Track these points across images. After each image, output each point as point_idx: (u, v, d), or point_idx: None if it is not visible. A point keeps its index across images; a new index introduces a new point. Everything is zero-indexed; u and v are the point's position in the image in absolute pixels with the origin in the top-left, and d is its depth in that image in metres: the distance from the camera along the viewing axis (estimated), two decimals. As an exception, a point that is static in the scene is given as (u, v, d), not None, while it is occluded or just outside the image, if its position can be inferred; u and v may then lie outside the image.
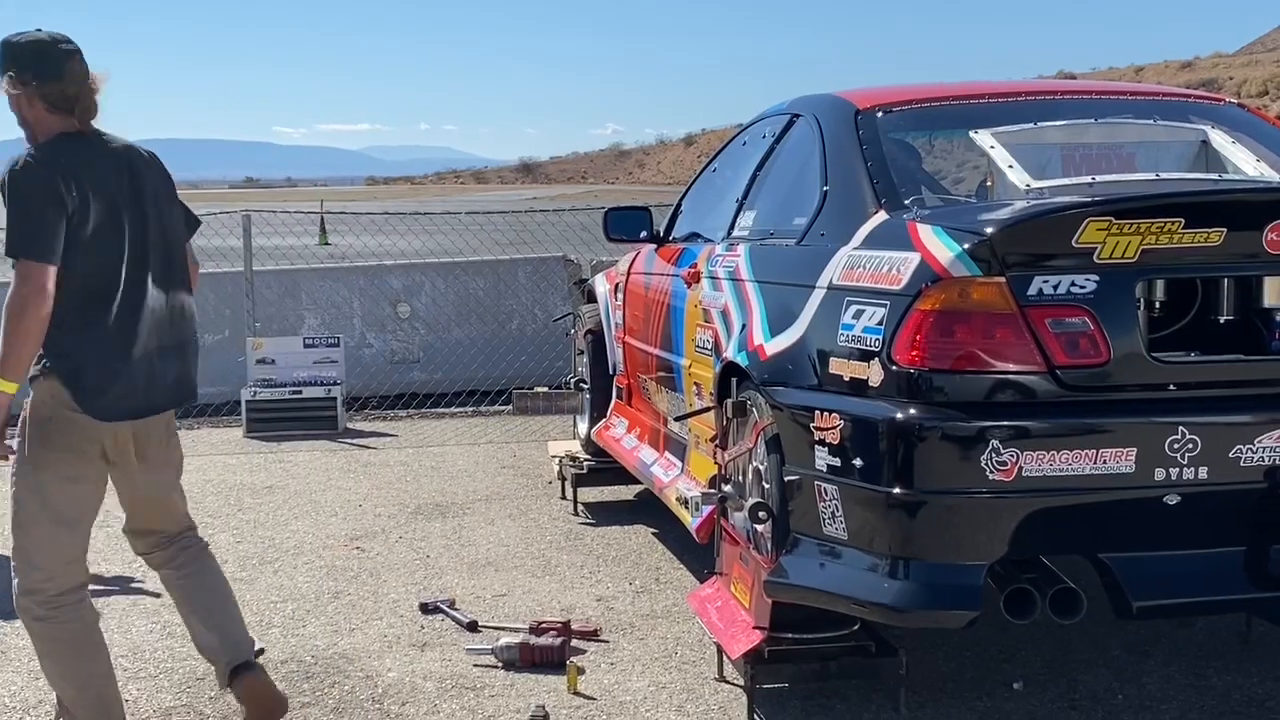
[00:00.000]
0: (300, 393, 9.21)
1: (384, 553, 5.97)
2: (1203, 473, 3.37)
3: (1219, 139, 4.33)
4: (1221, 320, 3.66)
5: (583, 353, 7.17)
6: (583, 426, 7.14)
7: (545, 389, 9.82)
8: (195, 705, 4.21)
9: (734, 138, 5.81)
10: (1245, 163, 4.18)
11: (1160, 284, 3.57)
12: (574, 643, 4.58)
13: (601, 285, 6.93)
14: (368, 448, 8.67)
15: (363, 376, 10.13)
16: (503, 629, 4.76)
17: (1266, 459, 3.39)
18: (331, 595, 5.34)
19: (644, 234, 5.97)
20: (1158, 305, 3.61)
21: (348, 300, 10.47)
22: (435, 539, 6.18)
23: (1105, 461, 3.34)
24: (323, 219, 25.76)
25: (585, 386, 7.05)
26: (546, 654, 4.42)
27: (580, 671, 4.27)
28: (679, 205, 6.09)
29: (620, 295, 6.40)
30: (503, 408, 9.87)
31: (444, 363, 10.36)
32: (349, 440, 8.91)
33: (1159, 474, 3.35)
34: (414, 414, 9.89)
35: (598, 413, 6.81)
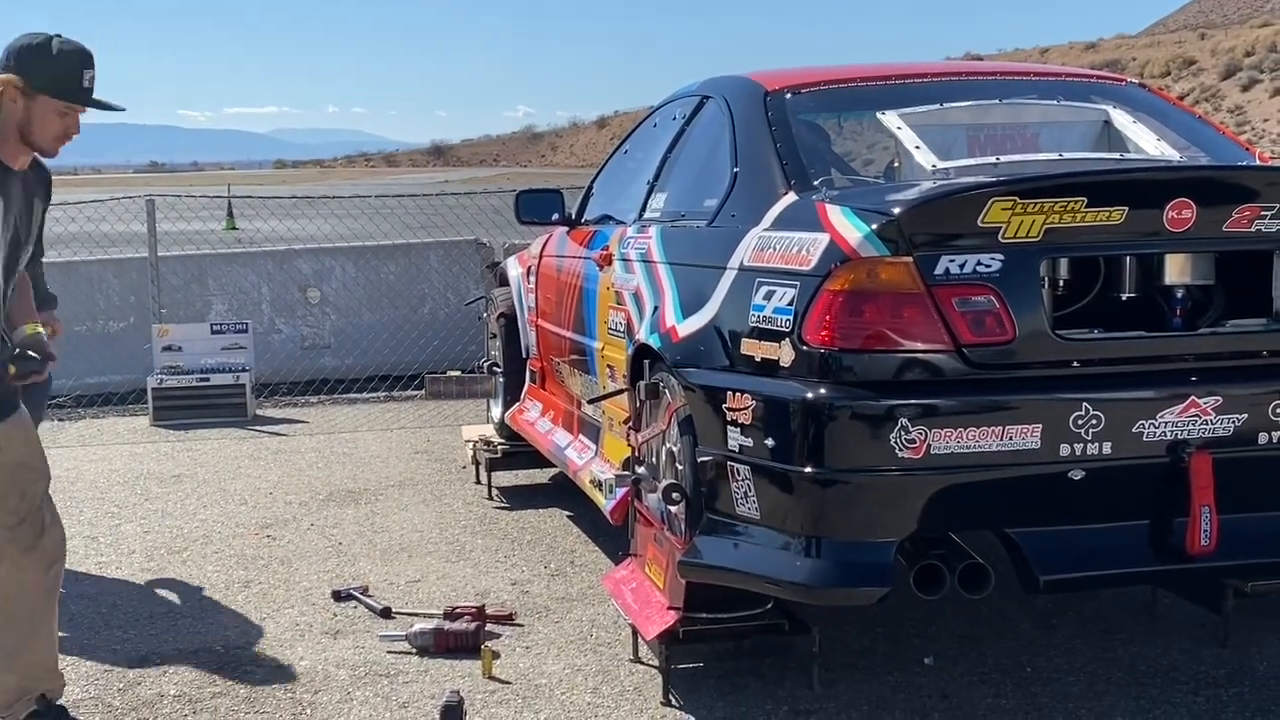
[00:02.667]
0: (208, 380, 9.08)
1: (295, 541, 5.91)
2: (1106, 448, 3.42)
3: (1121, 119, 4.39)
4: (1124, 298, 3.72)
5: (495, 336, 7.14)
6: (496, 410, 7.11)
7: (458, 373, 9.74)
8: (103, 698, 4.14)
9: (645, 119, 5.81)
10: (1146, 142, 4.25)
11: (1064, 262, 3.62)
12: (489, 627, 4.56)
13: (514, 268, 6.90)
14: (278, 435, 8.57)
15: (272, 363, 10.01)
16: (417, 615, 4.73)
17: (1168, 434, 3.45)
18: (242, 584, 5.28)
19: (556, 216, 5.95)
20: (1062, 283, 3.66)
21: (256, 286, 10.33)
22: (347, 526, 6.13)
23: (1011, 438, 3.38)
24: (230, 203, 25.41)
25: (498, 370, 7.03)
26: (461, 639, 4.40)
27: (495, 656, 4.25)
28: (590, 187, 6.08)
29: (532, 278, 6.38)
30: (415, 393, 9.80)
31: (355, 348, 10.27)
32: (258, 428, 8.80)
33: (1064, 450, 3.40)
34: (325, 400, 9.80)
35: (511, 396, 6.79)
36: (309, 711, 4.03)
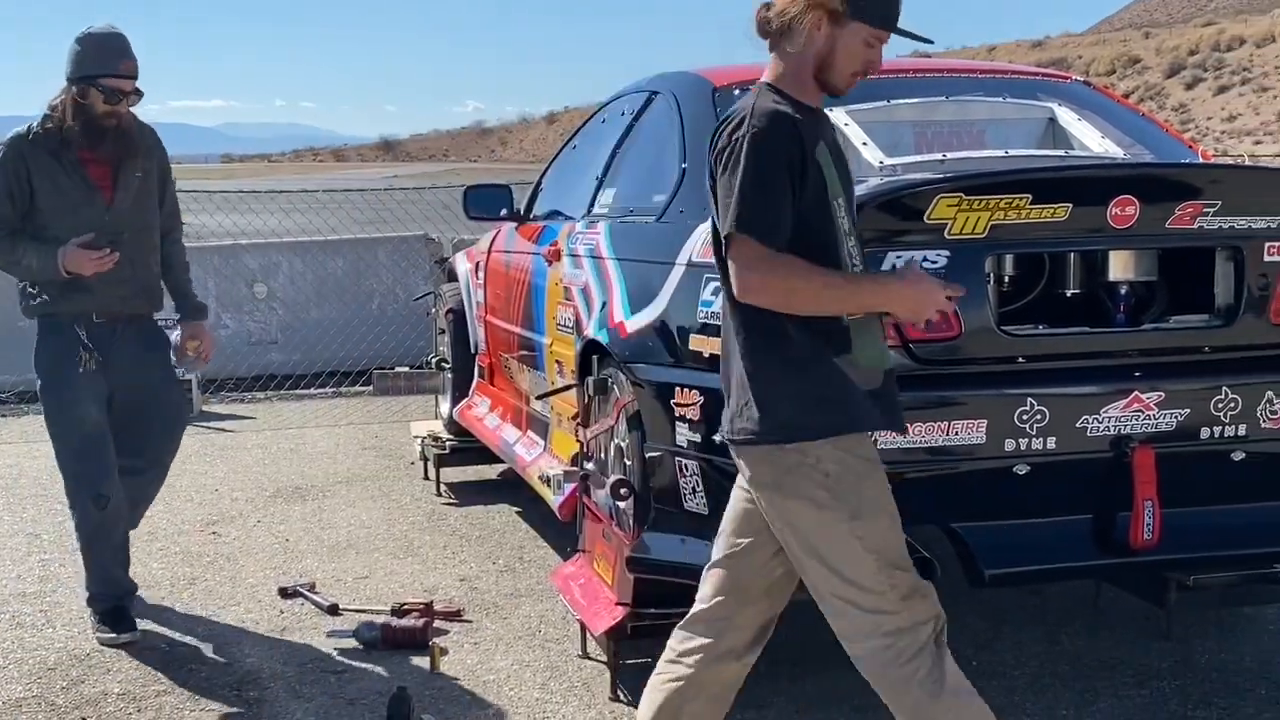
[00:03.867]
0: (154, 375, 8.96)
1: (242, 537, 5.87)
2: (1051, 443, 3.45)
3: (1066, 116, 4.43)
4: (1068, 294, 3.76)
5: (444, 332, 7.11)
6: (445, 406, 7.09)
7: (406, 369, 9.72)
8: (47, 696, 4.10)
9: (594, 114, 5.80)
10: (1090, 139, 4.28)
11: (1009, 259, 3.65)
12: (437, 623, 4.55)
13: (462, 264, 6.87)
14: (224, 431, 8.50)
15: (219, 358, 9.84)
16: (364, 611, 4.71)
17: (1112, 429, 3.49)
18: (188, 582, 5.23)
19: (504, 212, 5.92)
20: (1007, 280, 3.69)
21: (202, 280, 10.19)
22: (295, 522, 6.09)
23: (957, 433, 3.41)
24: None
25: (447, 366, 7.00)
26: (409, 635, 4.39)
27: (443, 652, 4.24)
28: (539, 183, 6.07)
29: (481, 274, 6.35)
30: (363, 388, 9.75)
31: (303, 343, 10.19)
32: (205, 423, 8.72)
33: (1009, 445, 3.43)
34: (272, 396, 9.72)
35: (460, 392, 6.76)
36: (255, 709, 4.00)
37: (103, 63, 4.36)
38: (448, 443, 6.68)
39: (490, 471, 6.78)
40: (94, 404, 4.47)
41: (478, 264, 6.46)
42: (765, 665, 3.23)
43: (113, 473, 4.52)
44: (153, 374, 4.62)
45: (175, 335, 4.76)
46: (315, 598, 4.88)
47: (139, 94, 4.44)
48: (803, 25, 2.82)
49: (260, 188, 13.52)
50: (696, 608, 3.09)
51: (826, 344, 2.81)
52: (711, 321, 3.64)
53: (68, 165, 4.39)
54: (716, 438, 3.49)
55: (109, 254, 4.36)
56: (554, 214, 5.52)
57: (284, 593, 4.97)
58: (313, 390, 9.81)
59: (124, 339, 4.53)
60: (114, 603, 4.57)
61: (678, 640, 3.11)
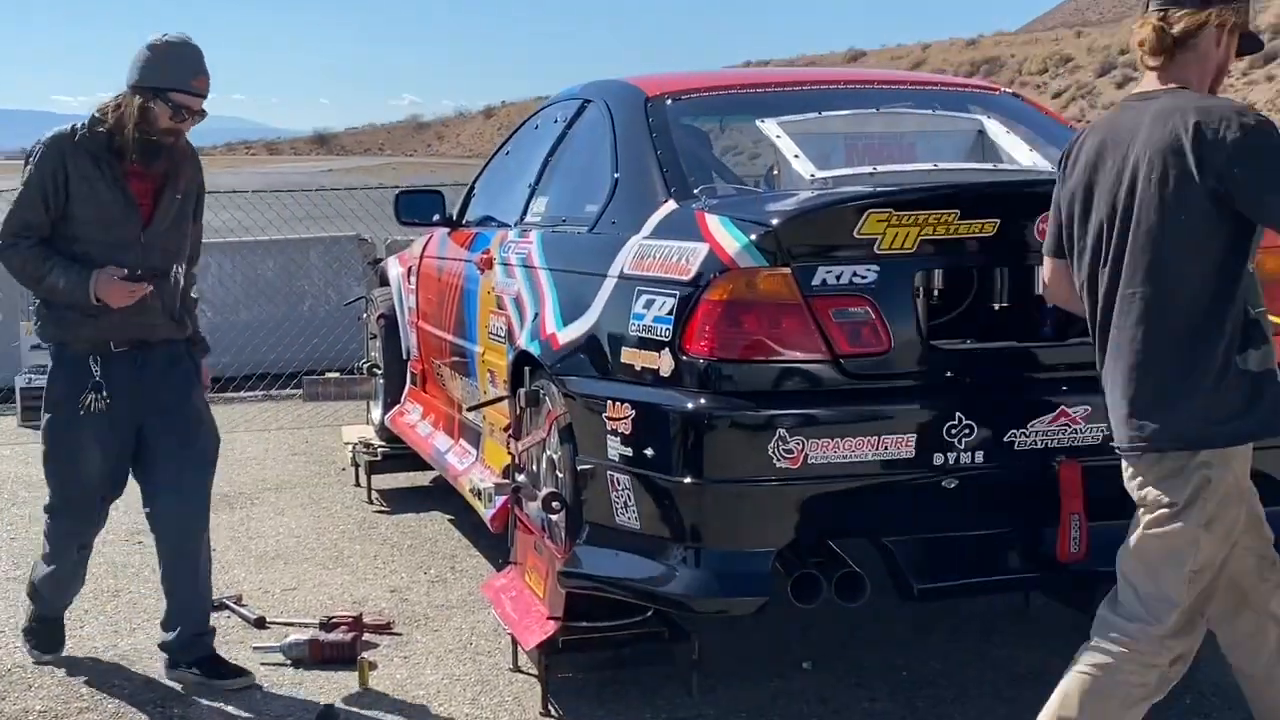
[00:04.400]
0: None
1: (169, 547, 5.77)
2: (979, 457, 3.47)
3: (995, 128, 4.46)
4: (997, 308, 3.78)
5: (376, 337, 7.05)
6: (376, 413, 7.02)
7: (337, 374, 9.63)
8: (-34, 715, 4.02)
9: (526, 120, 5.78)
10: (1019, 152, 4.31)
11: (938, 273, 3.66)
12: (366, 637, 4.51)
13: (394, 268, 6.82)
14: (152, 435, 8.38)
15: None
16: (292, 625, 4.66)
17: (1039, 442, 3.51)
18: (111, 594, 5.15)
19: (437, 217, 5.88)
20: (936, 294, 3.70)
21: (129, 281, 10.09)
22: (221, 531, 6.00)
23: (887, 448, 3.42)
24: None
25: (378, 372, 6.94)
26: (337, 650, 4.35)
27: (372, 667, 4.21)
28: (472, 188, 6.03)
29: (413, 279, 6.31)
30: (294, 392, 9.65)
31: (231, 346, 10.03)
32: (132, 428, 8.59)
33: (938, 459, 3.45)
34: (201, 399, 9.58)
35: (392, 398, 6.71)
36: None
37: (176, 77, 4.01)
38: (379, 449, 6.63)
39: (423, 478, 6.73)
40: (97, 451, 4.15)
41: (410, 268, 6.41)
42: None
43: (101, 522, 4.41)
44: (186, 404, 4.27)
45: None
46: (242, 610, 4.82)
47: (203, 114, 4.15)
48: (1208, 37, 2.96)
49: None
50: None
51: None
52: (643, 334, 3.63)
53: (111, 176, 4.04)
54: (650, 450, 3.50)
55: (144, 287, 4.04)
56: (487, 220, 5.49)
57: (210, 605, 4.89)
58: (242, 393, 9.70)
59: (151, 365, 4.17)
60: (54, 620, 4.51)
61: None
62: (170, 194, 4.15)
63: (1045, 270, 3.28)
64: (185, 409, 4.25)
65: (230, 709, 4.02)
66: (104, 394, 4.10)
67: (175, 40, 4.07)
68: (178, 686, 4.19)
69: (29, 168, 4.05)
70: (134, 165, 4.05)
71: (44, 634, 4.46)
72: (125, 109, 4.01)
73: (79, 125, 4.08)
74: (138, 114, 3.99)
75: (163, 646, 4.29)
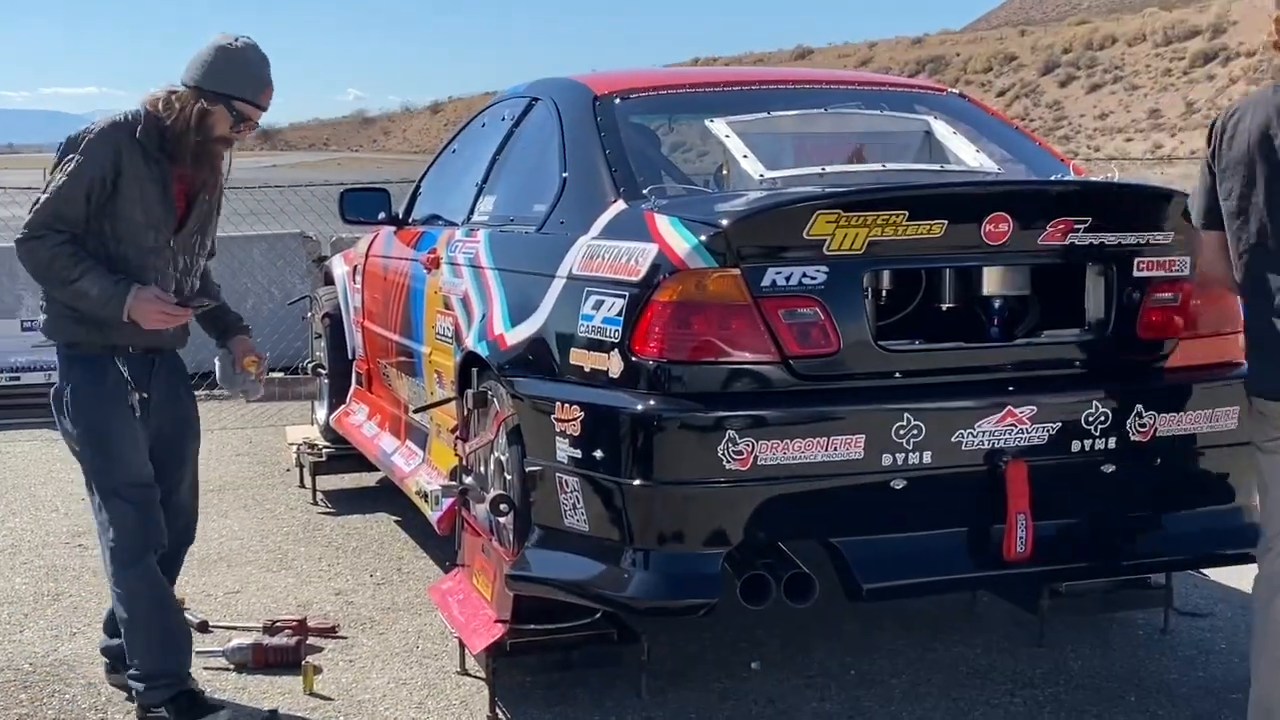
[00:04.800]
0: (18, 379, 8.75)
1: (110, 550, 5.70)
2: (927, 457, 3.48)
3: (941, 129, 4.47)
4: (944, 309, 3.80)
5: (320, 336, 6.99)
6: (321, 413, 6.96)
7: (281, 374, 9.53)
8: (-100, 724, 3.95)
9: (473, 118, 5.74)
10: (966, 153, 4.32)
11: (887, 274, 3.68)
12: (311, 641, 4.46)
13: (339, 267, 6.76)
14: (93, 435, 8.28)
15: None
16: (235, 629, 4.60)
17: (986, 443, 3.52)
18: (51, 597, 5.08)
19: (382, 216, 5.81)
20: (884, 295, 3.71)
21: (70, 279, 9.95)
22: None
23: (836, 449, 3.42)
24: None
25: (323, 371, 6.88)
26: (281, 654, 4.30)
27: (317, 671, 4.16)
28: (418, 186, 5.98)
29: (359, 278, 6.25)
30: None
31: (175, 344, 9.94)
32: (73, 428, 8.48)
33: (886, 459, 3.45)
34: (144, 398, 9.47)
35: (337, 398, 6.64)
36: (121, 733, 3.90)
37: (245, 86, 3.81)
38: (324, 450, 6.57)
39: (368, 479, 6.68)
40: (145, 452, 3.90)
41: (355, 267, 6.36)
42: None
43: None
44: (189, 408, 4.12)
45: (218, 357, 4.24)
46: (184, 614, 4.75)
47: (256, 127, 3.97)
48: None
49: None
50: None
51: None
52: (592, 335, 3.62)
53: (160, 177, 3.80)
54: (599, 452, 3.48)
55: (186, 314, 3.91)
56: (433, 219, 5.45)
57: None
58: (186, 392, 9.57)
59: (159, 373, 3.97)
60: (179, 689, 3.87)
61: None
62: (203, 198, 3.97)
63: (1202, 245, 3.46)
64: (186, 411, 4.11)
65: (173, 715, 3.96)
66: (142, 392, 3.87)
67: (247, 46, 3.84)
68: (120, 693, 4.13)
69: (75, 157, 3.72)
70: (180, 168, 3.85)
71: (185, 704, 3.87)
72: (185, 110, 3.78)
73: (131, 116, 3.80)
74: (196, 118, 3.78)
75: (106, 651, 4.18)
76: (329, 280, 7.00)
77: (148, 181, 3.78)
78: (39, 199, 3.75)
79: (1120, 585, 4.33)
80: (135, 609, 3.84)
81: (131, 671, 3.87)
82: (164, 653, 3.86)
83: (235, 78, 3.81)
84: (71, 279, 3.71)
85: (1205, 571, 4.95)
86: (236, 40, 3.85)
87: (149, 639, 3.85)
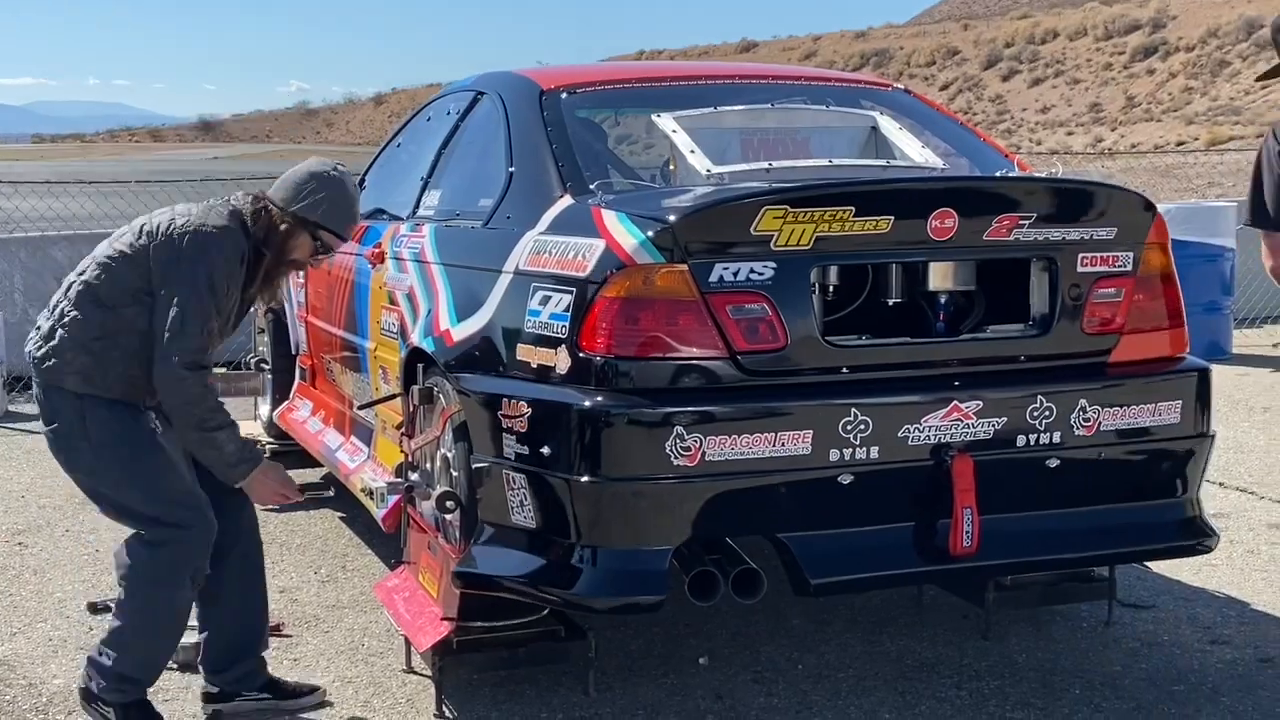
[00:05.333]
0: (-45, 375, 8.59)
1: (49, 548, 5.63)
2: (874, 452, 3.49)
3: (887, 125, 4.49)
4: (891, 304, 3.81)
5: (263, 331, 6.92)
6: (264, 409, 6.90)
7: (223, 369, 9.42)
8: None
9: (418, 112, 5.70)
10: (911, 149, 4.34)
11: (834, 270, 3.68)
12: (256, 639, 4.41)
13: (283, 261, 6.69)
14: (31, 433, 8.13)
15: (25, 356, 9.51)
16: (180, 628, 4.54)
17: (932, 437, 3.54)
18: (-10, 598, 5.00)
19: (326, 209, 5.76)
20: (831, 290, 3.72)
21: (8, 274, 9.79)
22: (105, 532, 5.83)
23: (783, 444, 3.43)
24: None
25: (266, 367, 6.81)
26: (226, 653, 4.24)
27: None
28: (363, 180, 5.92)
29: (302, 272, 6.18)
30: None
31: (116, 339, 9.82)
32: (10, 425, 8.36)
33: (833, 455, 3.46)
34: (84, 394, 9.35)
35: (280, 394, 6.59)
36: (63, 734, 3.85)
37: (338, 219, 3.80)
38: (268, 446, 6.51)
39: (313, 475, 6.60)
40: (186, 467, 3.78)
41: (299, 262, 6.29)
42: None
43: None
44: None
45: None
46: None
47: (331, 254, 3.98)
48: None
49: (74, 170, 13.03)
50: None
51: None
52: (539, 331, 3.60)
53: (246, 285, 3.76)
54: (546, 449, 3.47)
55: (300, 498, 3.93)
56: (378, 214, 5.40)
57: (94, 608, 4.77)
58: (127, 387, 9.46)
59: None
60: (138, 698, 3.79)
61: None
62: (252, 306, 3.99)
63: (1269, 243, 3.78)
64: None
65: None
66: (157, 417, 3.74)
67: (344, 178, 3.83)
68: (61, 693, 4.07)
69: (206, 264, 3.58)
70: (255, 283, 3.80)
71: (135, 715, 3.75)
72: (274, 230, 3.75)
73: (235, 218, 3.71)
74: (282, 239, 3.75)
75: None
76: (272, 274, 6.92)
77: (239, 290, 3.73)
78: (176, 314, 3.55)
79: (1064, 578, 4.37)
80: (150, 626, 3.72)
81: (106, 656, 3.72)
82: (149, 669, 3.79)
83: (330, 210, 3.78)
84: (213, 425, 3.62)
85: (1148, 564, 5.01)
86: (335, 171, 3.82)
87: (146, 654, 3.75)
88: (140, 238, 3.68)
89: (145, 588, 3.69)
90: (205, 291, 3.58)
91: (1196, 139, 44.17)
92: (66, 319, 3.70)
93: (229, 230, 3.68)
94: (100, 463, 3.70)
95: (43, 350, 3.74)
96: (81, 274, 3.74)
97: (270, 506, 3.70)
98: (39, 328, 3.79)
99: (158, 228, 3.68)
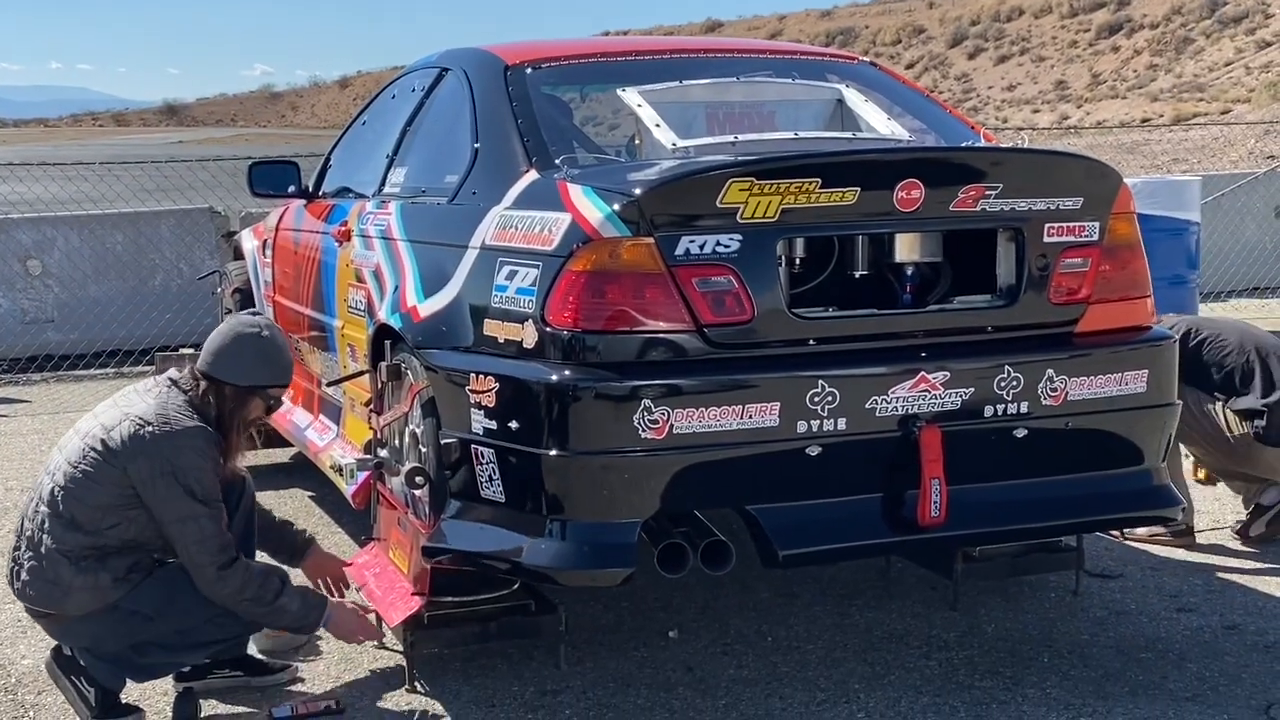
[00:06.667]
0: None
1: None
2: (841, 424, 3.50)
3: (853, 98, 4.48)
4: (858, 276, 3.82)
5: (230, 312, 6.87)
6: (232, 388, 6.85)
7: (191, 350, 9.39)
8: None
9: (383, 89, 5.67)
10: (878, 121, 4.34)
11: (800, 242, 3.69)
12: (226, 618, 4.39)
13: (249, 241, 6.66)
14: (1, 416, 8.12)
15: (-9, 339, 9.46)
16: (148, 608, 4.52)
17: (900, 409, 3.55)
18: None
19: (292, 189, 5.72)
20: (798, 263, 3.72)
21: (-30, 256, 9.73)
22: (74, 513, 5.82)
23: (751, 416, 3.43)
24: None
25: (234, 347, 6.76)
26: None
27: (233, 649, 4.10)
28: (328, 158, 5.89)
29: (269, 252, 6.16)
30: (147, 368, 9.36)
31: (81, 322, 9.76)
32: (-24, 408, 8.31)
33: (801, 426, 3.47)
34: (49, 377, 9.31)
35: (248, 374, 6.54)
36: (31, 714, 3.84)
37: (279, 375, 3.89)
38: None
39: (281, 455, 6.60)
40: None
41: (265, 242, 6.27)
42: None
43: None
44: None
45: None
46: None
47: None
48: None
49: (38, 154, 12.93)
50: None
51: None
52: (506, 306, 3.59)
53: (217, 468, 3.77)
54: (514, 423, 3.47)
55: (378, 636, 4.02)
56: (344, 192, 5.38)
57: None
58: (93, 371, 9.43)
59: None
60: (117, 689, 3.79)
61: None
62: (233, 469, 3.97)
63: None
64: None
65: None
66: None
67: (271, 334, 3.88)
68: (30, 672, 4.05)
69: (191, 476, 3.60)
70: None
71: (106, 701, 3.75)
72: (230, 406, 3.80)
73: (197, 416, 3.72)
74: (234, 411, 3.80)
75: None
76: (238, 255, 6.90)
77: (218, 475, 3.74)
78: (186, 535, 3.60)
79: (1032, 548, 4.39)
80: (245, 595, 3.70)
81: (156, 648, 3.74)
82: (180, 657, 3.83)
83: (269, 368, 3.85)
84: (270, 597, 3.68)
85: (1115, 533, 5.05)
86: (259, 330, 3.84)
87: (197, 642, 3.77)
88: (104, 454, 3.63)
89: (217, 578, 3.70)
90: (200, 502, 3.61)
91: (1161, 116, 44.40)
92: (44, 547, 3.66)
93: (198, 431, 3.68)
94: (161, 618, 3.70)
95: (34, 584, 3.69)
96: (47, 501, 3.69)
97: (348, 641, 3.93)
98: (16, 562, 3.74)
99: (121, 442, 3.63)
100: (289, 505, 5.87)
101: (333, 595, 4.06)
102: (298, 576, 4.02)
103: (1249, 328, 5.15)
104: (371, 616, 4.01)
